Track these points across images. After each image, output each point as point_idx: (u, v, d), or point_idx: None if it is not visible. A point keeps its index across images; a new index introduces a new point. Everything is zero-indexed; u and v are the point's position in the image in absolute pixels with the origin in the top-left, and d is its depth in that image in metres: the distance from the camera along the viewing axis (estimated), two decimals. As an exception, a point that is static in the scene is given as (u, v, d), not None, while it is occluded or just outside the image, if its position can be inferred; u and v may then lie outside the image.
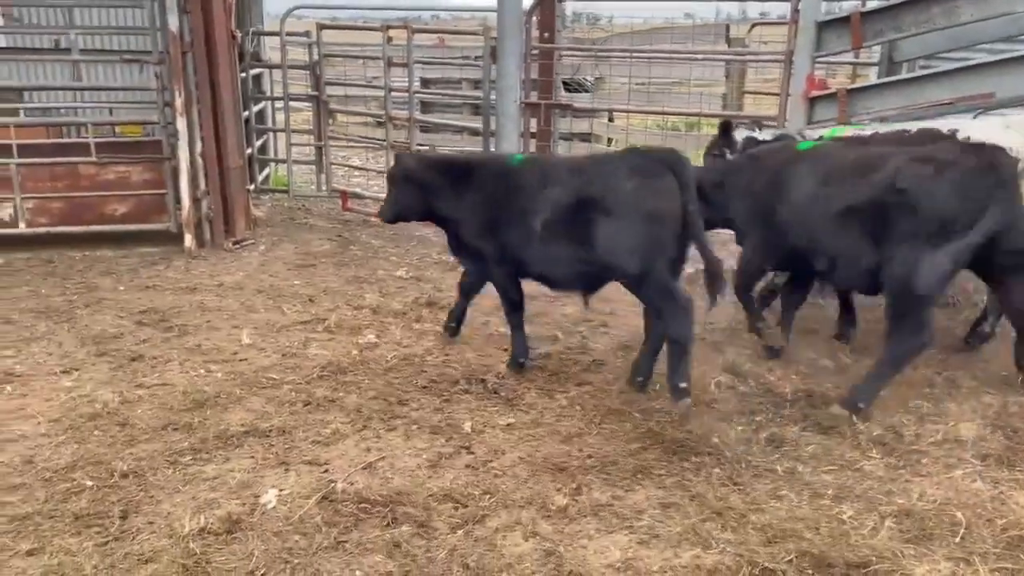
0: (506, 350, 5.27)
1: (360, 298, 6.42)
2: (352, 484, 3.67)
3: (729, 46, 9.14)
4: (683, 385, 4.29)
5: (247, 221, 7.91)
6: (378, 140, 10.00)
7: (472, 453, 3.98)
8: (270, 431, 4.18)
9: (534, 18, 7.56)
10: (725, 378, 4.74)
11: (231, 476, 3.76)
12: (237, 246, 7.68)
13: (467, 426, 4.23)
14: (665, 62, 8.59)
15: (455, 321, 5.50)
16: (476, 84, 13.30)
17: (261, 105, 9.94)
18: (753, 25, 8.80)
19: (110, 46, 9.31)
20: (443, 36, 13.63)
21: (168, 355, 5.22)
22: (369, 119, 11.90)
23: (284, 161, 9.72)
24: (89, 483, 3.69)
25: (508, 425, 4.26)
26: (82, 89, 7.90)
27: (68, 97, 8.62)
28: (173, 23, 6.85)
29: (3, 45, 9.93)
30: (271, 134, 10.61)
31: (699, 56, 7.77)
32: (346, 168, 11.06)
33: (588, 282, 4.68)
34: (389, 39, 7.98)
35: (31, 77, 9.42)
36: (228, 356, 5.24)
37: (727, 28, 9.30)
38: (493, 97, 7.26)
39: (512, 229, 4.66)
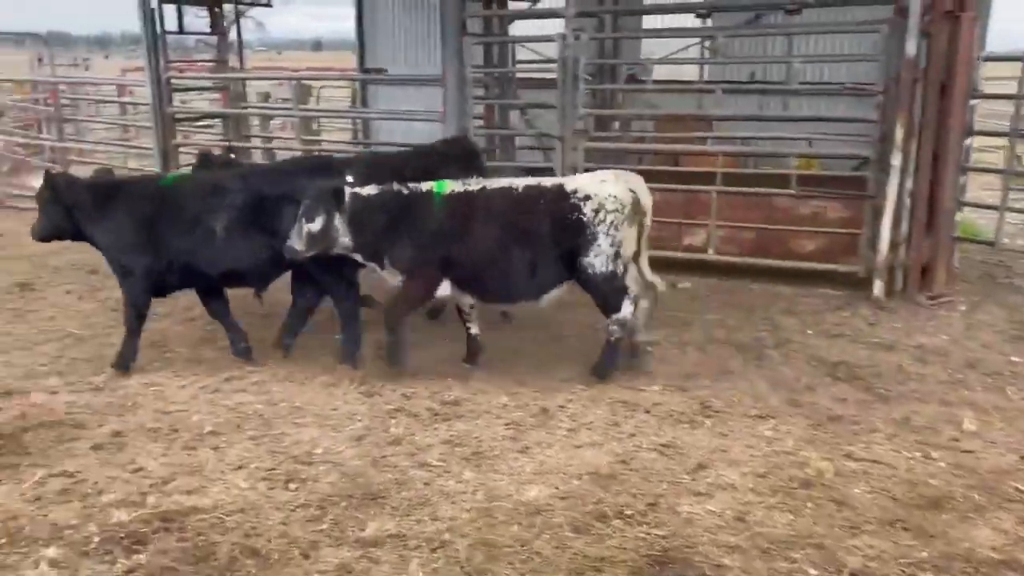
0: None
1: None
2: None
3: None
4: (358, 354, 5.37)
5: (948, 275, 6.77)
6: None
7: None
8: (1037, 571, 3.11)
9: None
10: None
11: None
12: (933, 302, 6.60)
13: None
14: None
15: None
16: None
17: (968, 140, 8.61)
18: None
19: (813, 77, 9.13)
20: None
21: (871, 423, 4.52)
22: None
23: (994, 208, 8.17)
24: (812, 572, 3.14)
25: None
26: (790, 120, 7.73)
27: (751, 128, 8.66)
28: (911, 48, 6.09)
29: (706, 78, 10.61)
30: (967, 174, 9.14)
31: None
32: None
33: (269, 274, 5.42)
34: None
35: (721, 107, 9.73)
36: (947, 441, 4.31)
37: None
38: None
39: (186, 239, 5.17)
